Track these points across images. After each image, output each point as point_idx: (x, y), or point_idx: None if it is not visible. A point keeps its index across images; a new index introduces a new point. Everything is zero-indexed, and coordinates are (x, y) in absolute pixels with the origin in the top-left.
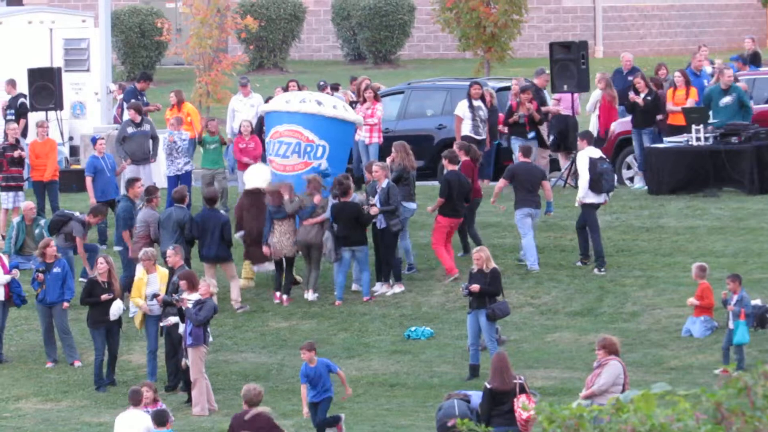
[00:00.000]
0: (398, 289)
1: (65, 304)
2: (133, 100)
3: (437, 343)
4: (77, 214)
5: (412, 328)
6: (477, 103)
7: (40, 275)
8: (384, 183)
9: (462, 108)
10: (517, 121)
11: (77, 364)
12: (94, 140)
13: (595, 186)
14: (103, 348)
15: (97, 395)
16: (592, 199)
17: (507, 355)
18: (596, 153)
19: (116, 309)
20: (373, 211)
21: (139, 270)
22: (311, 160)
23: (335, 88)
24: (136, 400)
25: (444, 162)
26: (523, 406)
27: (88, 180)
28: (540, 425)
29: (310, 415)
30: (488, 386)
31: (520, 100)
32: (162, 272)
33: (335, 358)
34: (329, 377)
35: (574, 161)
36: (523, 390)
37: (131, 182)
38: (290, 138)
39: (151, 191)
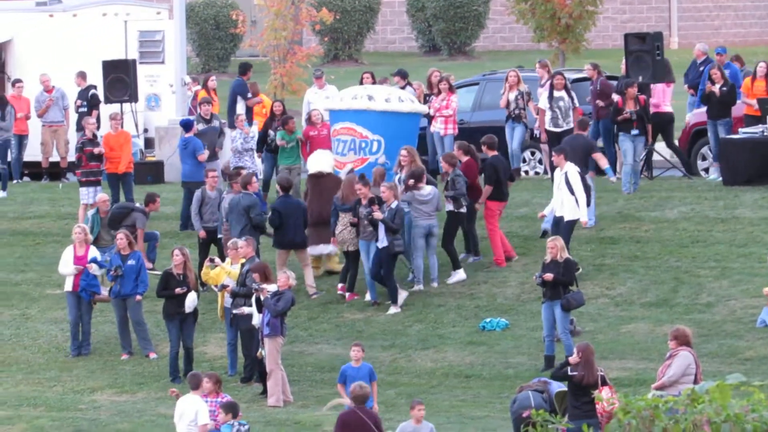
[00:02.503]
0: (393, 310)
1: (138, 297)
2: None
3: (512, 334)
4: (138, 204)
5: (487, 320)
6: (558, 93)
7: (119, 269)
8: (393, 204)
9: (542, 100)
10: (627, 118)
11: (152, 356)
12: (183, 123)
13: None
14: (178, 340)
15: (173, 387)
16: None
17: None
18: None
19: (191, 301)
20: (376, 215)
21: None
22: (367, 156)
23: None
24: (194, 384)
25: (484, 149)
26: (605, 399)
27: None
28: (615, 416)
29: None
30: (572, 373)
31: (626, 95)
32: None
33: (410, 350)
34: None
35: (649, 153)
36: (604, 382)
37: (233, 176)
38: (346, 136)
39: (233, 175)
